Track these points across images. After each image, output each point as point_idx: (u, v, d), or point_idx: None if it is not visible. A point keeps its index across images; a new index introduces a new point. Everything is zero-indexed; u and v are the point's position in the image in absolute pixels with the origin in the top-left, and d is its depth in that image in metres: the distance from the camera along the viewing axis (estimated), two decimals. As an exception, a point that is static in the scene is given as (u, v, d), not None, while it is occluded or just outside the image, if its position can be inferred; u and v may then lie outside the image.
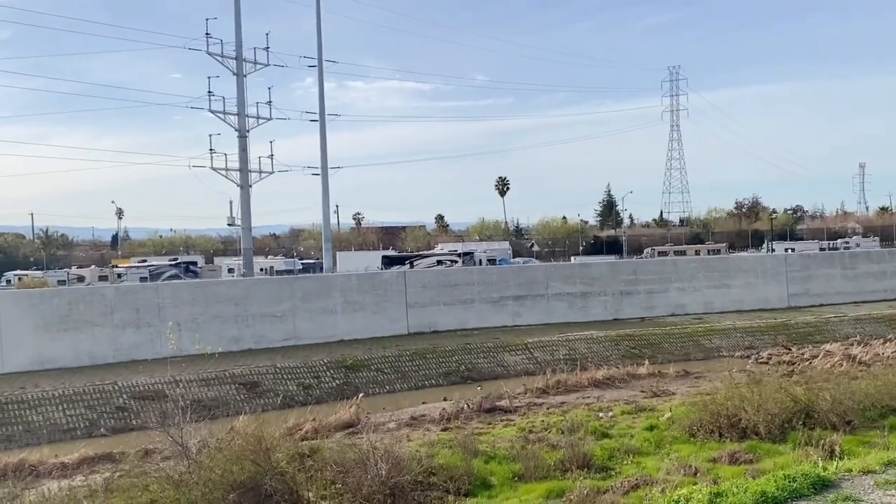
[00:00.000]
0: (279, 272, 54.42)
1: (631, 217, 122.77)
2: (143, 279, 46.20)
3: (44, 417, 19.42)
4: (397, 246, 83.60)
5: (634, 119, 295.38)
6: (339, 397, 20.73)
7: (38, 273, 59.88)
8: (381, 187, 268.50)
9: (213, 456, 9.16)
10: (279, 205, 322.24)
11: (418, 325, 29.93)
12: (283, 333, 27.56)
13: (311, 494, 9.13)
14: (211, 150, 39.49)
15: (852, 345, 25.56)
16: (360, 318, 29.00)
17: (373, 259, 56.83)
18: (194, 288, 28.86)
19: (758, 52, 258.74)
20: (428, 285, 30.88)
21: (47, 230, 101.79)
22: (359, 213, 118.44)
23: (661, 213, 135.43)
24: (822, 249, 59.18)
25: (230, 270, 54.17)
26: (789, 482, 8.30)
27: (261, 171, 41.09)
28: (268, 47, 40.31)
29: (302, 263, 61.81)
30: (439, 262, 50.05)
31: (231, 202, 41.25)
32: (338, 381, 23.17)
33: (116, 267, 59.04)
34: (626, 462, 11.12)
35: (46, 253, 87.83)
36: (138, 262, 61.40)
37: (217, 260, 70.46)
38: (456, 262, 49.63)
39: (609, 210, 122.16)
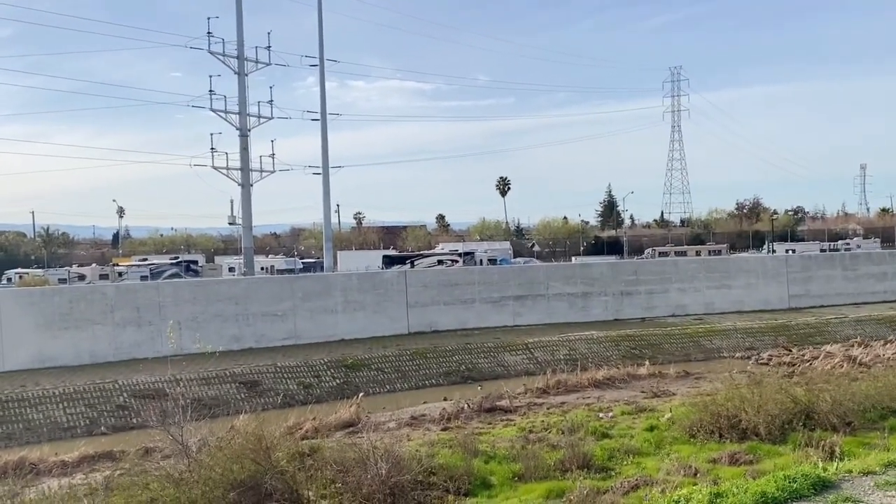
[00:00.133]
0: (280, 271, 54.31)
1: (632, 217, 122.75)
2: (143, 278, 46.16)
3: (44, 415, 19.46)
4: (398, 245, 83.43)
5: (635, 119, 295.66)
6: (340, 396, 20.78)
7: (39, 271, 59.72)
8: (382, 187, 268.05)
9: (214, 455, 9.17)
10: (280, 204, 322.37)
11: (419, 324, 29.96)
12: (284, 332, 27.59)
13: (311, 493, 9.14)
14: (212, 148, 39.57)
15: (853, 346, 25.61)
16: (361, 318, 29.04)
17: (373, 258, 56.79)
18: (195, 287, 28.89)
19: (759, 52, 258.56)
20: (428, 285, 30.92)
21: (48, 228, 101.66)
22: (360, 213, 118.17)
23: (662, 213, 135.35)
24: (822, 250, 58.99)
25: (231, 269, 54.07)
26: (789, 483, 8.31)
27: (262, 170, 41.16)
28: (269, 46, 40.42)
29: (303, 263, 61.65)
30: (440, 262, 50.00)
31: (232, 201, 41.34)
32: (338, 381, 23.19)
33: (117, 265, 58.93)
34: (626, 462, 11.14)
35: (47, 251, 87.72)
36: (139, 260, 61.37)
37: (218, 259, 70.39)
38: (457, 261, 49.58)
39: (610, 210, 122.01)
